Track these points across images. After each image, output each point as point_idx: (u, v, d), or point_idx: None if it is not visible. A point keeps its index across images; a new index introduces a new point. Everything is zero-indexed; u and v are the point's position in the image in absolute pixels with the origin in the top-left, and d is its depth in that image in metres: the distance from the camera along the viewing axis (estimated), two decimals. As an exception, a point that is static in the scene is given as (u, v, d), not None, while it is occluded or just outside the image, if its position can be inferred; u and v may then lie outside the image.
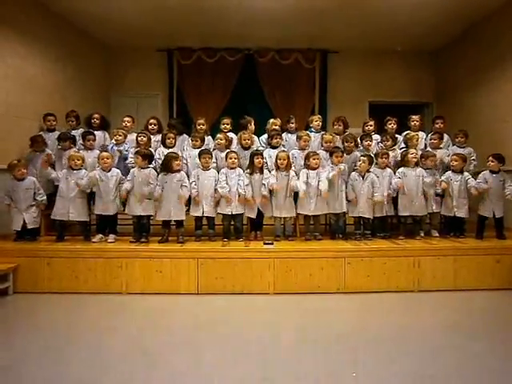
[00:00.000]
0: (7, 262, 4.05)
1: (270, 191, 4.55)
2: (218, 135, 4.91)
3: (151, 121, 5.30)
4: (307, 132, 5.10)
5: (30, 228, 4.49)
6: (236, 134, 5.10)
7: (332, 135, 4.98)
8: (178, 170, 4.45)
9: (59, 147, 4.99)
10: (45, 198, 4.56)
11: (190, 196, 4.47)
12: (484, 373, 2.53)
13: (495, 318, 3.52)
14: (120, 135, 5.01)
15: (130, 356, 2.75)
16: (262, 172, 4.60)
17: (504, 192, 4.57)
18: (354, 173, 4.64)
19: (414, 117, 5.39)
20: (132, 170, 4.51)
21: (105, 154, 4.51)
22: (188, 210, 4.55)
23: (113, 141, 5.14)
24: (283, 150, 4.74)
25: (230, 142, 5.00)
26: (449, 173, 4.78)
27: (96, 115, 5.34)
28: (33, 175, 4.72)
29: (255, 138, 5.17)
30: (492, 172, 4.64)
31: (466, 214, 4.72)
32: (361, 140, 5.07)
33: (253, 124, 5.16)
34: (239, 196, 4.47)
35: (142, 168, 4.44)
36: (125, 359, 2.70)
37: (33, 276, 4.10)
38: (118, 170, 4.56)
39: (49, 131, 5.25)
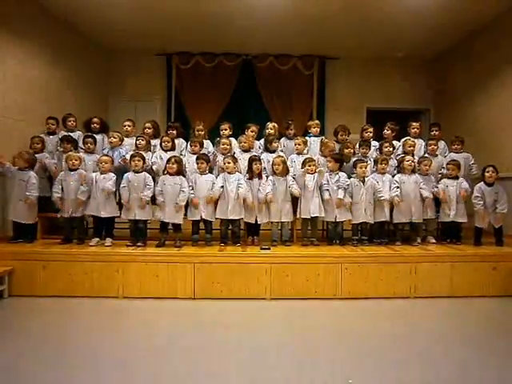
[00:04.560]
0: (3, 265, 4.02)
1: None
2: (223, 140, 4.89)
3: (146, 125, 5.31)
4: (304, 138, 5.12)
5: (26, 227, 4.55)
6: (236, 139, 5.13)
7: (333, 142, 5.02)
8: (177, 173, 4.44)
9: (61, 149, 4.99)
10: (34, 195, 4.48)
11: (187, 201, 4.47)
12: (479, 381, 2.53)
13: (492, 326, 3.52)
14: (115, 137, 5.00)
15: (125, 360, 2.73)
16: (260, 177, 4.60)
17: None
18: (352, 179, 4.64)
19: (414, 124, 5.39)
20: (126, 175, 4.47)
21: (104, 157, 4.51)
22: (185, 215, 4.54)
23: (107, 144, 5.15)
24: (279, 156, 4.75)
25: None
26: (445, 179, 4.80)
27: (96, 119, 5.34)
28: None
29: (256, 142, 5.20)
30: (487, 184, 4.65)
31: (464, 219, 4.74)
32: (359, 146, 5.09)
33: (252, 130, 5.18)
34: (238, 198, 4.46)
35: (137, 172, 4.44)
36: (120, 364, 2.68)
37: (28, 279, 4.08)
38: (114, 174, 4.54)
39: (49, 134, 5.26)
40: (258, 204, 4.57)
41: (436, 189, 4.73)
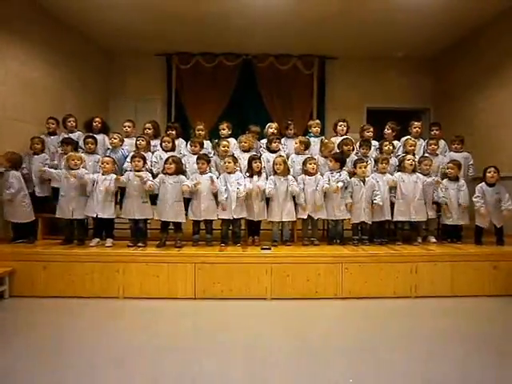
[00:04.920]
0: (3, 266, 4.03)
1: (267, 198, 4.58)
2: (223, 142, 4.88)
3: (146, 125, 5.32)
4: (305, 137, 5.13)
5: (23, 227, 4.62)
6: (235, 139, 5.14)
7: (333, 143, 5.02)
8: (176, 173, 4.43)
9: (61, 151, 4.98)
10: (7, 192, 4.46)
11: (188, 200, 4.46)
12: (480, 380, 2.53)
13: (492, 325, 3.51)
14: (115, 138, 5.01)
15: (126, 361, 2.73)
16: (260, 175, 4.61)
17: (499, 205, 4.58)
18: (353, 178, 4.64)
19: (416, 123, 5.38)
20: (127, 173, 4.50)
21: (106, 158, 4.52)
22: (186, 215, 4.54)
23: (108, 145, 5.15)
24: (280, 155, 4.75)
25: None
26: (445, 181, 4.80)
27: (97, 119, 5.35)
28: (30, 176, 4.79)
29: (257, 142, 5.21)
30: (489, 185, 4.64)
31: (466, 221, 4.74)
32: (359, 146, 5.09)
33: (253, 132, 5.21)
34: (238, 198, 4.46)
35: (138, 171, 4.43)
36: (121, 364, 2.68)
37: (29, 280, 4.08)
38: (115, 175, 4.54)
39: (50, 134, 5.27)
40: (259, 194, 4.55)
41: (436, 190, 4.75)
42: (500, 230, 4.66)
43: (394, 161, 5.06)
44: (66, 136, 5.13)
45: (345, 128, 5.29)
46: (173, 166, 4.40)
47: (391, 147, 5.07)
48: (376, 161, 4.86)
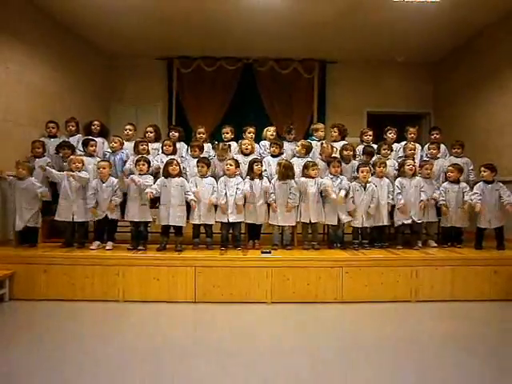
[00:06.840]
0: (4, 269, 4.03)
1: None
2: (218, 151, 4.90)
3: (148, 129, 5.34)
4: (307, 141, 5.12)
5: (30, 231, 4.56)
6: (236, 142, 5.15)
7: (333, 146, 5.02)
8: (178, 175, 4.45)
9: (60, 155, 4.99)
10: (44, 189, 4.51)
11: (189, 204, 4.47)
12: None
13: (492, 330, 3.51)
14: (116, 142, 5.02)
15: (126, 365, 2.73)
16: (261, 178, 4.62)
17: (500, 202, 4.57)
18: (355, 183, 4.64)
19: (411, 129, 5.41)
20: (130, 177, 4.50)
21: (102, 163, 4.53)
22: (187, 218, 4.54)
23: (108, 149, 5.17)
24: (281, 159, 4.75)
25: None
26: (446, 184, 4.81)
27: (96, 122, 5.36)
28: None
29: (256, 145, 5.21)
30: (487, 182, 4.66)
31: (466, 224, 4.74)
32: (363, 154, 5.09)
33: (250, 132, 5.19)
34: (237, 205, 4.48)
35: (141, 175, 4.45)
36: (121, 368, 2.68)
37: (29, 283, 4.08)
38: (115, 179, 4.56)
39: (50, 138, 5.28)
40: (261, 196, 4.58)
41: (437, 192, 4.75)
42: (500, 235, 4.66)
43: (392, 163, 5.07)
44: (66, 139, 5.14)
45: (334, 134, 5.27)
46: (177, 168, 4.43)
47: (389, 151, 5.08)
48: (374, 165, 4.85)
